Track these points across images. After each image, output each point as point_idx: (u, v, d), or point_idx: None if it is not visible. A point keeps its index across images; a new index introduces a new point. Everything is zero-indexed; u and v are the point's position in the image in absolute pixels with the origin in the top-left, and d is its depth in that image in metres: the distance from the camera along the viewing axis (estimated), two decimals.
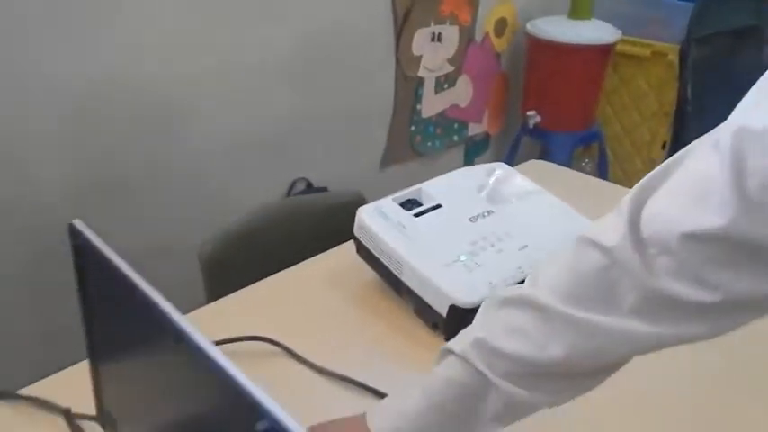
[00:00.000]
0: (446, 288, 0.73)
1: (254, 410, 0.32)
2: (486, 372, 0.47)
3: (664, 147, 2.45)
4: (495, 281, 0.74)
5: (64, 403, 0.63)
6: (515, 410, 0.49)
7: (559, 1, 2.23)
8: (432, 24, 2.00)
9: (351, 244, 0.88)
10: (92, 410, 0.61)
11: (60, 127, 1.30)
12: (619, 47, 2.28)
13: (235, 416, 0.35)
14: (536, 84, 2.30)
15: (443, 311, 0.73)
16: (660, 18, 2.36)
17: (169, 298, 0.42)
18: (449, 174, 0.93)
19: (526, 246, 0.79)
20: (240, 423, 0.34)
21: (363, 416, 0.53)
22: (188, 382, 0.42)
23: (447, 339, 0.75)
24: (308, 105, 1.76)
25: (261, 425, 0.31)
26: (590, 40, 2.15)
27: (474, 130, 2.31)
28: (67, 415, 0.62)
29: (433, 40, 2.02)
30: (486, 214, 0.84)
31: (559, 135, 2.23)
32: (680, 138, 2.40)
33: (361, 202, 0.96)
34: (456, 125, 2.24)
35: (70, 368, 0.68)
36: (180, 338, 0.40)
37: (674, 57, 2.30)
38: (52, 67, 1.25)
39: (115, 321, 0.52)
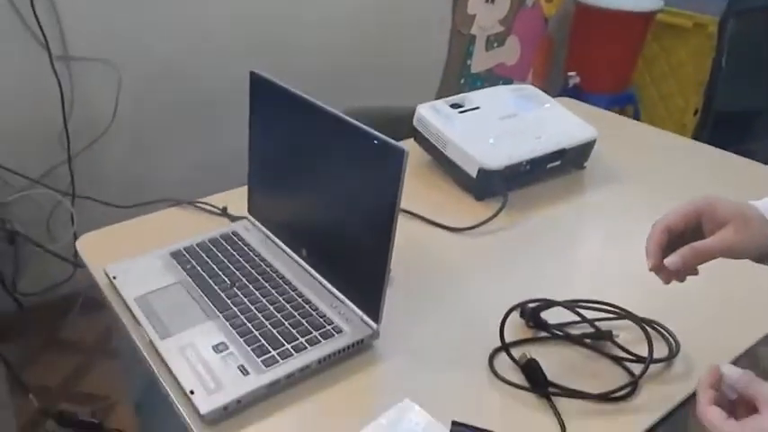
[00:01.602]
0: (477, 156, 1.01)
1: (369, 137, 0.64)
2: None
3: (696, 113, 2.54)
4: (512, 155, 1.03)
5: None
6: None
7: None
8: None
9: (409, 141, 1.17)
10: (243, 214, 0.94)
11: None
12: (662, 17, 2.39)
13: (353, 147, 0.67)
14: (579, 47, 2.44)
15: (474, 174, 1.02)
16: None
17: None
18: (488, 88, 1.22)
19: (539, 137, 1.08)
20: (363, 147, 0.65)
21: None
22: (326, 145, 0.73)
23: (475, 196, 1.05)
24: (373, 51, 2.02)
25: (375, 141, 0.63)
26: (633, 7, 2.28)
27: None
28: (224, 211, 0.95)
29: (487, 1, 2.20)
30: (512, 116, 1.12)
31: (596, 96, 2.33)
32: (710, 106, 2.50)
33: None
34: (501, 82, 2.41)
35: (227, 191, 1.01)
36: (328, 118, 0.71)
37: (713, 28, 2.37)
38: None
39: (274, 135, 0.83)
